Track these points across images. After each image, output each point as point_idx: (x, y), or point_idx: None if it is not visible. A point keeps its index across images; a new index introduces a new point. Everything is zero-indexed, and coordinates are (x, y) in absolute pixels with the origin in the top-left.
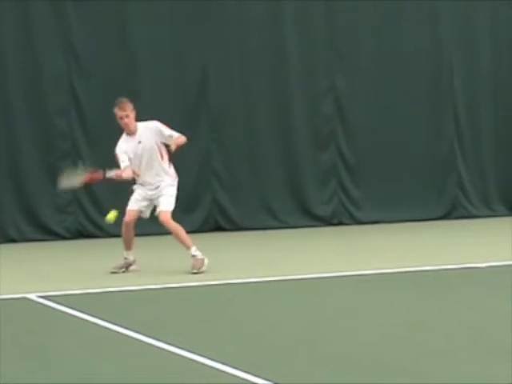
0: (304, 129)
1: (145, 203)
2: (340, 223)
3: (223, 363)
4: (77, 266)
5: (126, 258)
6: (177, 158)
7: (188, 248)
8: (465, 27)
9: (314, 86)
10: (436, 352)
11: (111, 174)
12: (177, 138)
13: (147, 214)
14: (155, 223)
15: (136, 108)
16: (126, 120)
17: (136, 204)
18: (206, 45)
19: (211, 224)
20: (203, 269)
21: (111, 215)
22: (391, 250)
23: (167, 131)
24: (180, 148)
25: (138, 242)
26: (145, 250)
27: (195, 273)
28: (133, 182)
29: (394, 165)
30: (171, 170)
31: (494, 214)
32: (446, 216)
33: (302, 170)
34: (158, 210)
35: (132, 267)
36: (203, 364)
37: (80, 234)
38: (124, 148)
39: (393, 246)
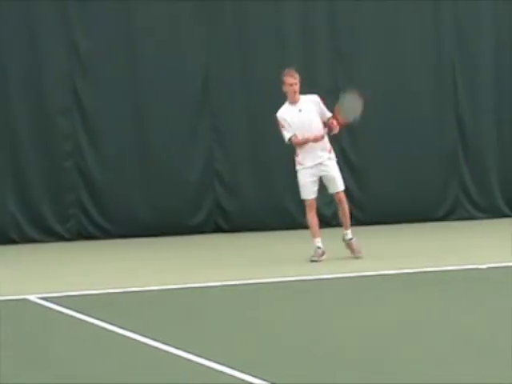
0: None
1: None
2: (339, 225)
3: (220, 363)
4: (78, 267)
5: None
6: (178, 157)
7: (346, 229)
8: (467, 26)
9: (316, 87)
10: (436, 353)
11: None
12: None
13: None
14: (153, 222)
15: (138, 107)
16: (295, 87)
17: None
18: (208, 45)
19: (212, 225)
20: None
21: None
22: (391, 251)
23: (324, 107)
24: (180, 145)
25: (140, 242)
26: (148, 252)
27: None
28: None
29: (396, 165)
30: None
31: (496, 215)
32: (447, 217)
33: None
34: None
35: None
36: (201, 364)
37: (81, 236)
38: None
39: (393, 247)
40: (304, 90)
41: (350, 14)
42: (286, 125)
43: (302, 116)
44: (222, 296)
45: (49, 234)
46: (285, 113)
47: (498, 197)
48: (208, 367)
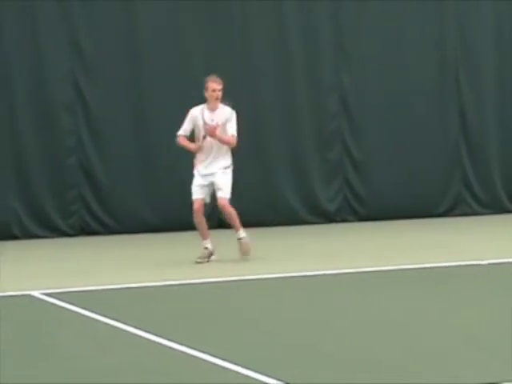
0: (310, 126)
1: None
2: (343, 220)
3: (226, 360)
4: (80, 263)
5: (206, 248)
6: (182, 154)
7: (238, 229)
8: (469, 25)
9: (320, 84)
10: (436, 350)
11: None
12: (231, 135)
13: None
14: (155, 218)
15: (140, 104)
16: (218, 93)
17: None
18: (211, 43)
19: (214, 221)
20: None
21: None
22: (393, 246)
23: (234, 123)
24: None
25: (142, 238)
26: (150, 247)
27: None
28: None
29: (399, 161)
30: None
31: (498, 210)
32: (449, 212)
33: (308, 168)
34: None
35: (213, 257)
36: (206, 361)
37: (84, 231)
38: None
39: (395, 242)
40: (310, 88)
41: (353, 13)
42: (187, 121)
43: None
44: (226, 292)
45: (51, 229)
46: (198, 113)
47: (500, 192)
48: (213, 364)
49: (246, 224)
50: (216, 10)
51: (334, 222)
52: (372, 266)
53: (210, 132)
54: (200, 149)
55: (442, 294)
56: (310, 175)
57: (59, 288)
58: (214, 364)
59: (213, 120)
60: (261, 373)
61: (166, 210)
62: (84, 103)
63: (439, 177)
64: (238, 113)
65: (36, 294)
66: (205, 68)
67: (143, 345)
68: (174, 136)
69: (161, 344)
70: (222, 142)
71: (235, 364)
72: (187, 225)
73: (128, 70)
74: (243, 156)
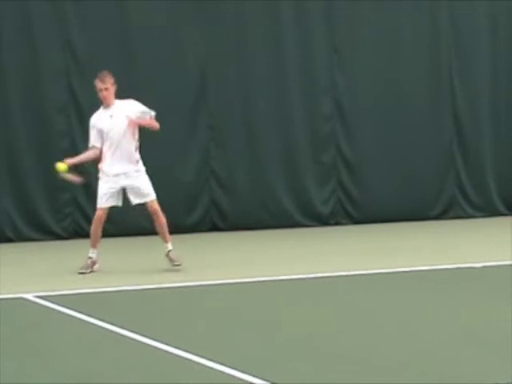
0: (303, 128)
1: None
2: (337, 223)
3: (220, 363)
4: (74, 266)
5: (90, 257)
6: (175, 156)
7: (167, 241)
8: (464, 26)
9: (314, 86)
10: (430, 352)
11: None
12: (151, 118)
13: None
14: (149, 220)
15: None
16: (104, 93)
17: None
18: (205, 44)
19: (209, 223)
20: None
21: (61, 167)
22: (387, 249)
23: (142, 107)
24: (177, 144)
25: (135, 241)
26: (140, 250)
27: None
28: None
29: (392, 164)
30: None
31: (492, 213)
32: (443, 215)
33: (302, 170)
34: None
35: (96, 266)
36: (200, 364)
37: (77, 234)
38: (94, 122)
39: (388, 245)
40: (303, 89)
41: (346, 14)
42: (91, 131)
43: (114, 122)
44: (220, 294)
45: (45, 232)
46: (96, 118)
47: (494, 195)
48: (199, 364)
49: (240, 226)
50: (210, 11)
51: (328, 224)
52: (366, 269)
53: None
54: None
55: (437, 297)
56: (303, 177)
57: (52, 291)
58: (201, 364)
59: (111, 116)
60: (247, 373)
61: None
62: (77, 105)
63: (433, 179)
64: (231, 114)
65: (29, 296)
66: (200, 69)
67: (135, 347)
68: (169, 137)
69: (150, 345)
70: (149, 126)
71: (222, 364)
72: (181, 227)
73: (122, 71)
74: (236, 158)
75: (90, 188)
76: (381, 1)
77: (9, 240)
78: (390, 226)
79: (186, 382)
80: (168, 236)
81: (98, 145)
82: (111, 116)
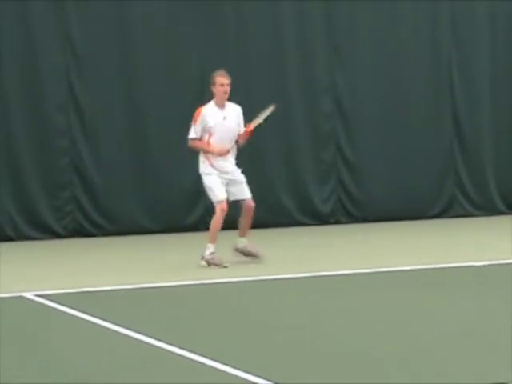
0: (304, 127)
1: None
2: (337, 222)
3: (223, 363)
4: (74, 264)
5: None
6: (176, 156)
7: (245, 236)
8: (464, 26)
9: (314, 85)
10: (431, 351)
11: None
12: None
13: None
14: (149, 219)
15: (134, 105)
16: (227, 88)
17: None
18: (206, 43)
19: (209, 223)
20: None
21: None
22: (387, 248)
23: (242, 120)
24: (177, 143)
25: (136, 240)
26: (139, 249)
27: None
28: None
29: (392, 162)
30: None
31: (492, 212)
32: (443, 214)
33: (302, 169)
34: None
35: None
36: (202, 363)
37: (77, 233)
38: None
39: (389, 244)
40: (304, 89)
41: (346, 14)
42: (198, 122)
43: (226, 125)
44: (219, 293)
45: (45, 231)
46: (209, 112)
47: (494, 194)
48: (203, 364)
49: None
50: (211, 10)
51: (328, 223)
52: (366, 268)
53: (246, 137)
54: (227, 152)
55: (437, 296)
56: (303, 176)
57: (52, 290)
58: (205, 364)
59: (225, 117)
60: (251, 373)
61: (159, 211)
62: (77, 103)
63: (433, 178)
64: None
65: (29, 295)
66: (200, 68)
67: (136, 346)
68: (169, 136)
69: (151, 344)
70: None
71: (225, 364)
72: (181, 226)
73: (122, 70)
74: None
75: (89, 186)
76: (381, 0)
77: (9, 239)
78: (389, 224)
79: (189, 381)
80: (247, 232)
81: (203, 138)
82: (225, 117)
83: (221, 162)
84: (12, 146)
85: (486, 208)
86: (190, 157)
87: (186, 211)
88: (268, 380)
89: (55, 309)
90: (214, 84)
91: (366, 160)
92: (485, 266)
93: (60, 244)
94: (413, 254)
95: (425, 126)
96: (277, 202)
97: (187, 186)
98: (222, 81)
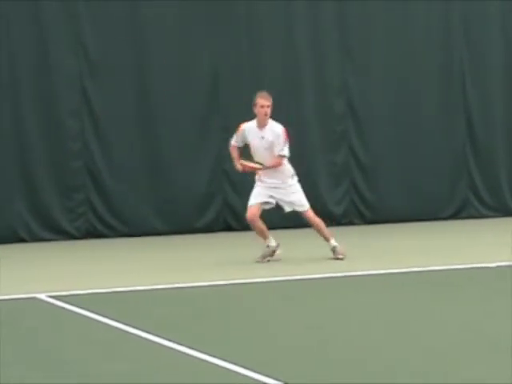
0: (316, 129)
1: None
2: (350, 223)
3: (234, 363)
4: (87, 266)
5: (268, 246)
6: (188, 157)
7: (329, 240)
8: (476, 26)
9: (327, 86)
10: (445, 352)
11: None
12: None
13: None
14: (161, 221)
15: (147, 108)
16: (267, 110)
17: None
18: (218, 45)
19: (222, 224)
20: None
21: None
22: (400, 249)
23: (282, 143)
24: (190, 145)
25: (148, 241)
26: (153, 250)
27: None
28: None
29: (405, 164)
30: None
31: (505, 213)
32: (456, 215)
33: (315, 170)
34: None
35: (277, 252)
36: (214, 364)
37: (90, 234)
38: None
39: (402, 245)
40: (316, 90)
41: (359, 14)
42: (240, 134)
43: (262, 144)
44: (232, 295)
45: (58, 232)
46: (249, 130)
47: (507, 195)
48: (213, 364)
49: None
50: (223, 11)
51: (341, 224)
52: (380, 269)
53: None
54: (250, 168)
55: (450, 297)
56: (316, 178)
57: (65, 291)
58: (215, 364)
59: (262, 137)
60: (260, 373)
61: (172, 212)
62: (90, 107)
63: (446, 180)
64: (244, 114)
65: (42, 296)
66: (212, 70)
67: (150, 347)
68: (182, 138)
69: (165, 346)
70: (270, 168)
71: (235, 364)
72: (194, 228)
73: (135, 73)
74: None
75: (102, 188)
76: (393, 1)
77: (22, 240)
78: (402, 226)
79: (201, 382)
80: (327, 235)
81: (240, 145)
82: (262, 137)
83: (263, 178)
84: (26, 149)
85: (498, 209)
86: (204, 160)
87: (198, 213)
88: (278, 380)
89: (68, 310)
90: (255, 105)
91: (379, 161)
92: (498, 267)
93: (73, 245)
94: (425, 256)
95: (437, 128)
96: None
97: (199, 187)
98: (262, 102)
